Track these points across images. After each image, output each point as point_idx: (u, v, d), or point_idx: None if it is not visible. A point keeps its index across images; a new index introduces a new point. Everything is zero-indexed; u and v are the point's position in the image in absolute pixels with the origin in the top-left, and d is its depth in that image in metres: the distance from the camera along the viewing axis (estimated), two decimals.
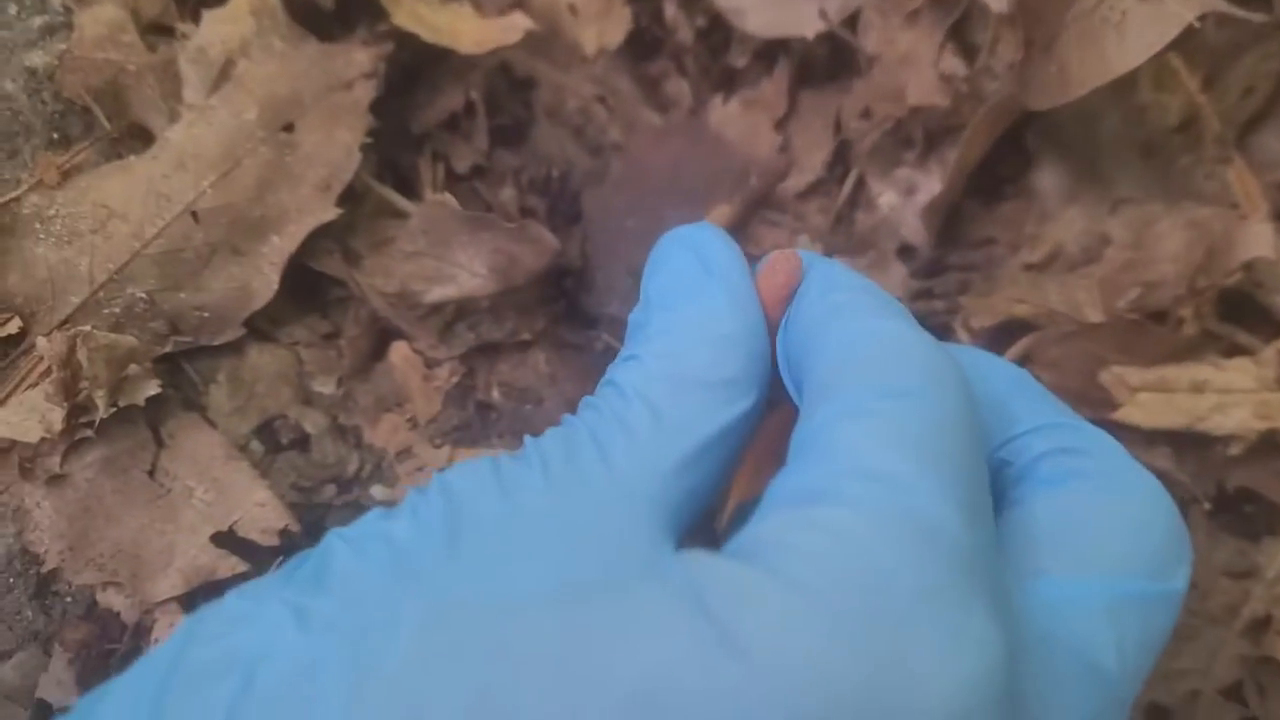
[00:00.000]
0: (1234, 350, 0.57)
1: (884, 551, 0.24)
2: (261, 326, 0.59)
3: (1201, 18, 0.51)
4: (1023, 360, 0.59)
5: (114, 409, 0.52)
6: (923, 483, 0.25)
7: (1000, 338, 0.60)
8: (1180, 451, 0.58)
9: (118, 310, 0.54)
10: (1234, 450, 0.55)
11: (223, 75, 0.59)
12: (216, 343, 0.57)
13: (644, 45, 0.70)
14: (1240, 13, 0.49)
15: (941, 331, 0.62)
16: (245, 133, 0.57)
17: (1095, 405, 0.58)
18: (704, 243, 0.36)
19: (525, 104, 0.69)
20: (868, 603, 0.23)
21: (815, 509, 0.25)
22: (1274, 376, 0.55)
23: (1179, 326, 0.56)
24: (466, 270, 0.58)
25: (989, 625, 0.24)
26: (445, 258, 0.58)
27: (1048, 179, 0.63)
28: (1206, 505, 0.56)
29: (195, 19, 0.60)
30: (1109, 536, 0.30)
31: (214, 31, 0.59)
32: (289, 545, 0.55)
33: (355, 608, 0.25)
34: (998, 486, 0.32)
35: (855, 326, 0.31)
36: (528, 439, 0.31)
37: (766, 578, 0.23)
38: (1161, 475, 0.46)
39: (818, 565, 0.23)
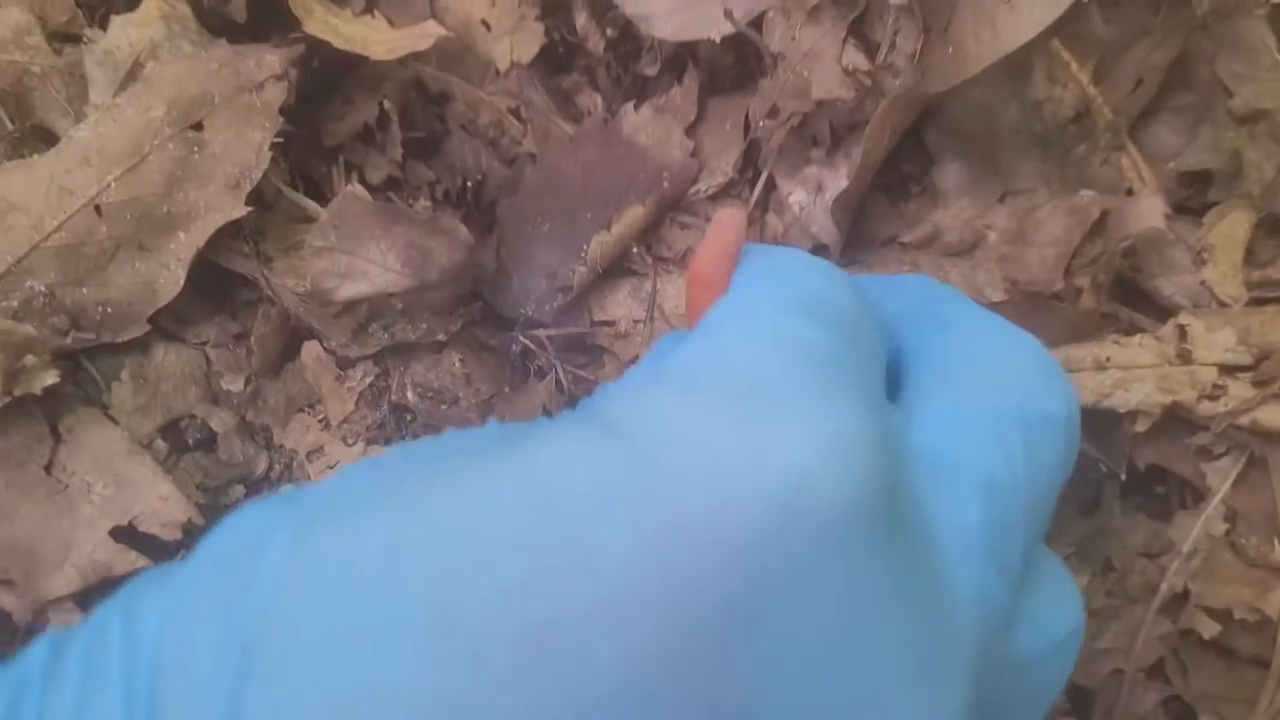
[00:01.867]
0: (1133, 330, 0.58)
1: (756, 357, 0.27)
2: (168, 326, 0.58)
3: (1088, 4, 0.54)
4: None
5: (8, 399, 0.50)
6: (797, 319, 0.28)
7: None
8: (1092, 430, 0.58)
9: (15, 304, 0.53)
10: (1140, 427, 0.56)
11: (130, 76, 0.59)
12: (120, 340, 0.56)
13: (557, 59, 0.71)
14: None
15: None
16: (152, 129, 0.57)
17: None
18: None
19: (439, 117, 0.69)
20: (732, 392, 0.25)
21: (706, 340, 0.28)
22: (1175, 352, 0.56)
23: (1078, 297, 0.57)
24: (379, 265, 0.58)
25: (848, 413, 0.25)
26: (357, 253, 0.58)
27: (949, 176, 0.64)
28: (1122, 476, 0.56)
29: (104, 26, 0.60)
30: (985, 369, 0.31)
31: (122, 34, 0.59)
32: (191, 541, 0.53)
33: None
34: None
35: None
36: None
37: (654, 385, 0.26)
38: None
39: (697, 371, 0.26)
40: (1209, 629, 0.54)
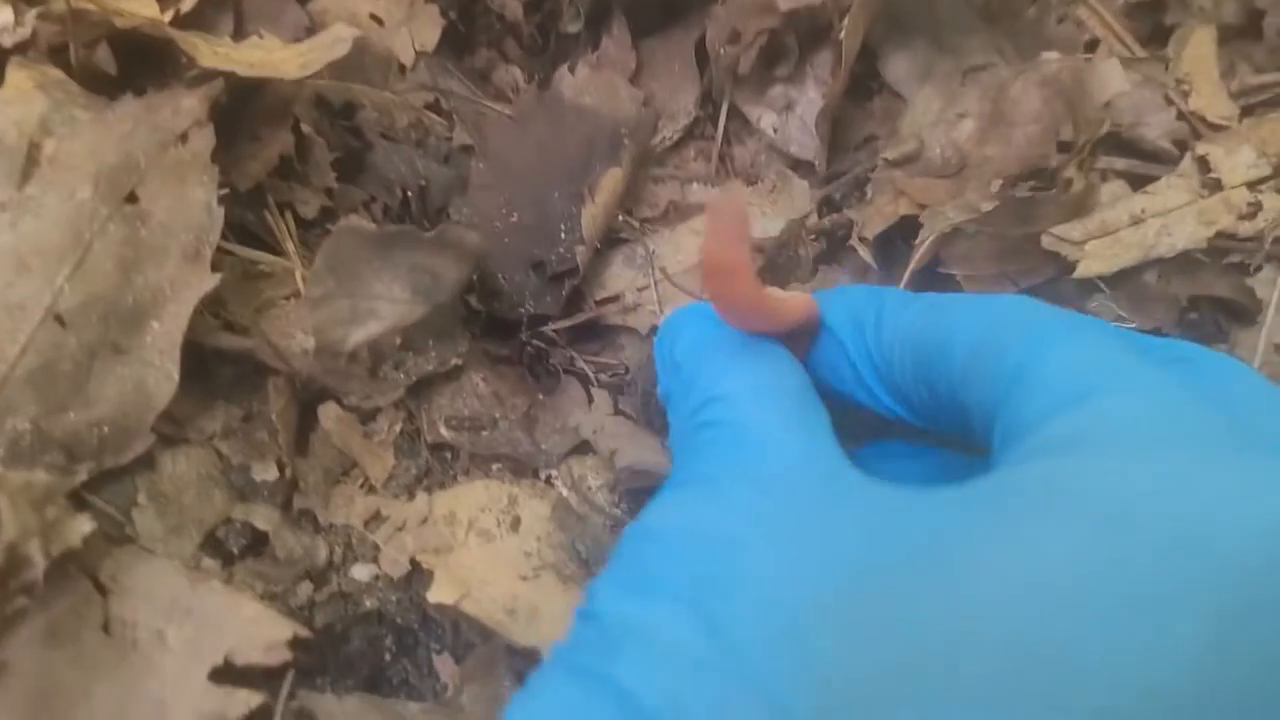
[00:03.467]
0: (1141, 182, 0.58)
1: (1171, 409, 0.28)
2: (165, 431, 0.50)
3: None
4: (933, 260, 0.58)
5: (48, 562, 0.42)
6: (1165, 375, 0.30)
7: (893, 241, 0.59)
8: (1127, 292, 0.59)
9: (0, 452, 0.44)
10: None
11: (31, 161, 0.50)
12: (126, 460, 0.48)
13: (460, 39, 0.65)
14: None
15: (840, 246, 0.61)
16: (85, 213, 0.49)
17: (1016, 279, 0.58)
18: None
19: (352, 131, 0.62)
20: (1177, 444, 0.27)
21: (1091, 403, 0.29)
22: (1200, 182, 0.56)
23: (1068, 187, 0.57)
24: (386, 299, 0.52)
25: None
26: (359, 293, 0.51)
27: (899, 67, 0.63)
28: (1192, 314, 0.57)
29: None
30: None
31: (1, 116, 0.50)
32: (304, 656, 0.46)
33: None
34: None
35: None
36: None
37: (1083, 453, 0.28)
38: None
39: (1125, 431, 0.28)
40: None
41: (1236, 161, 0.55)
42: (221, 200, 0.51)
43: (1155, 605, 0.24)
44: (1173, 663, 0.23)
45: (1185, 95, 0.58)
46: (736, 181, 0.60)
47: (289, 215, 0.59)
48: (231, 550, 0.49)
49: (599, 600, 0.30)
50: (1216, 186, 0.55)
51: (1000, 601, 0.24)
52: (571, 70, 0.62)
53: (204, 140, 0.52)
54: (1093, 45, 0.60)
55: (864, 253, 0.58)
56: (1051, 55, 0.59)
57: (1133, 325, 0.57)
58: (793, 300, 0.39)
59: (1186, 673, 0.23)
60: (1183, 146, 0.57)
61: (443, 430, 0.54)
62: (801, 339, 0.42)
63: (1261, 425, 0.30)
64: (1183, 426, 0.28)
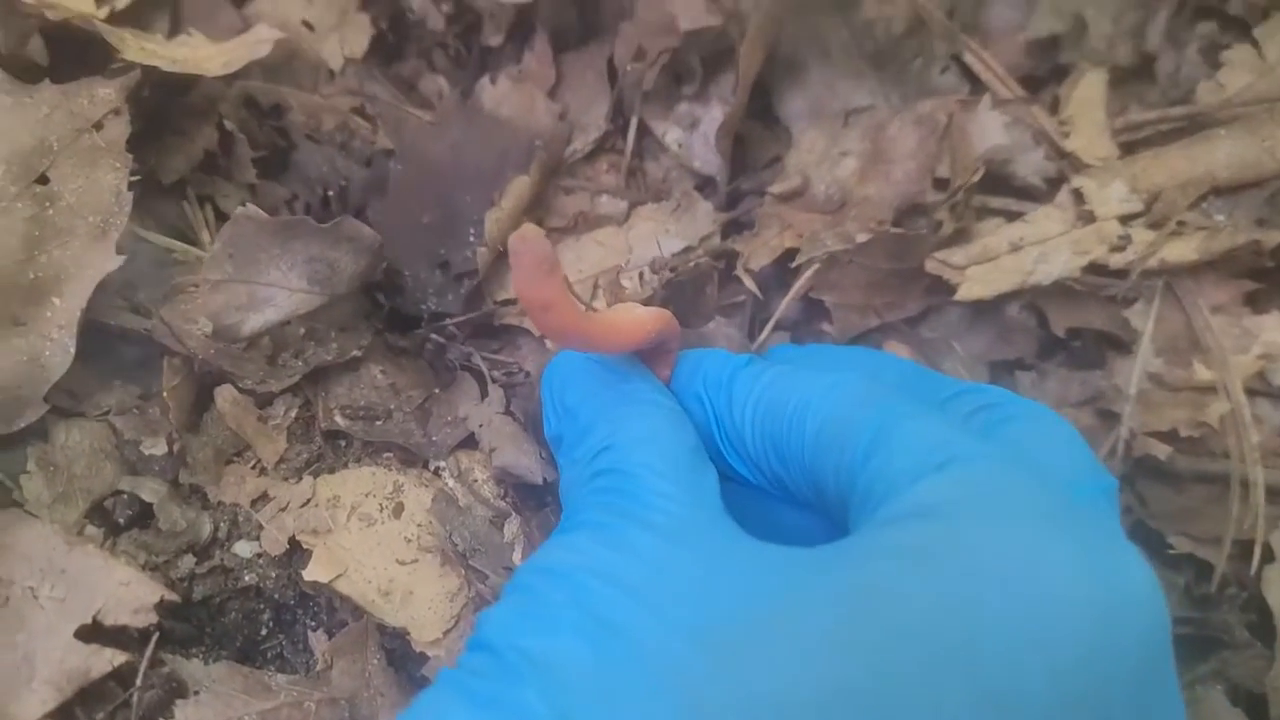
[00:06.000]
0: (1013, 218, 0.60)
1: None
2: (61, 403, 0.52)
3: None
4: (811, 290, 0.60)
5: None
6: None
7: (777, 272, 0.62)
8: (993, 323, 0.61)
9: None
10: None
11: None
12: (16, 428, 0.50)
13: (389, 48, 0.67)
14: None
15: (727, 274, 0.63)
16: None
17: (882, 311, 0.61)
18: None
19: (279, 131, 0.65)
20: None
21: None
22: (1075, 214, 0.58)
23: (938, 229, 0.59)
24: (284, 288, 0.54)
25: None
26: (257, 279, 0.53)
27: (792, 105, 0.65)
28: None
29: None
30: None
31: None
32: (174, 625, 0.48)
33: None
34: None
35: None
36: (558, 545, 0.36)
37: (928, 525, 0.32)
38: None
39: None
40: (1162, 451, 0.57)
41: (1108, 194, 0.57)
42: (133, 186, 0.54)
43: (1005, 668, 0.28)
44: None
45: (1065, 135, 0.60)
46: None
47: (209, 208, 0.61)
48: (118, 520, 0.51)
49: (495, 632, 0.32)
50: (1090, 218, 0.57)
51: (860, 645, 0.28)
52: (493, 81, 0.64)
53: (119, 128, 0.55)
54: (971, 96, 0.62)
55: (749, 283, 0.60)
56: (930, 101, 0.62)
57: (998, 357, 0.59)
58: (630, 321, 0.40)
59: None
60: (1055, 184, 0.59)
61: (338, 418, 0.56)
62: (661, 354, 0.44)
63: (1076, 482, 0.36)
64: (1023, 496, 0.32)
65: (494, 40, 0.65)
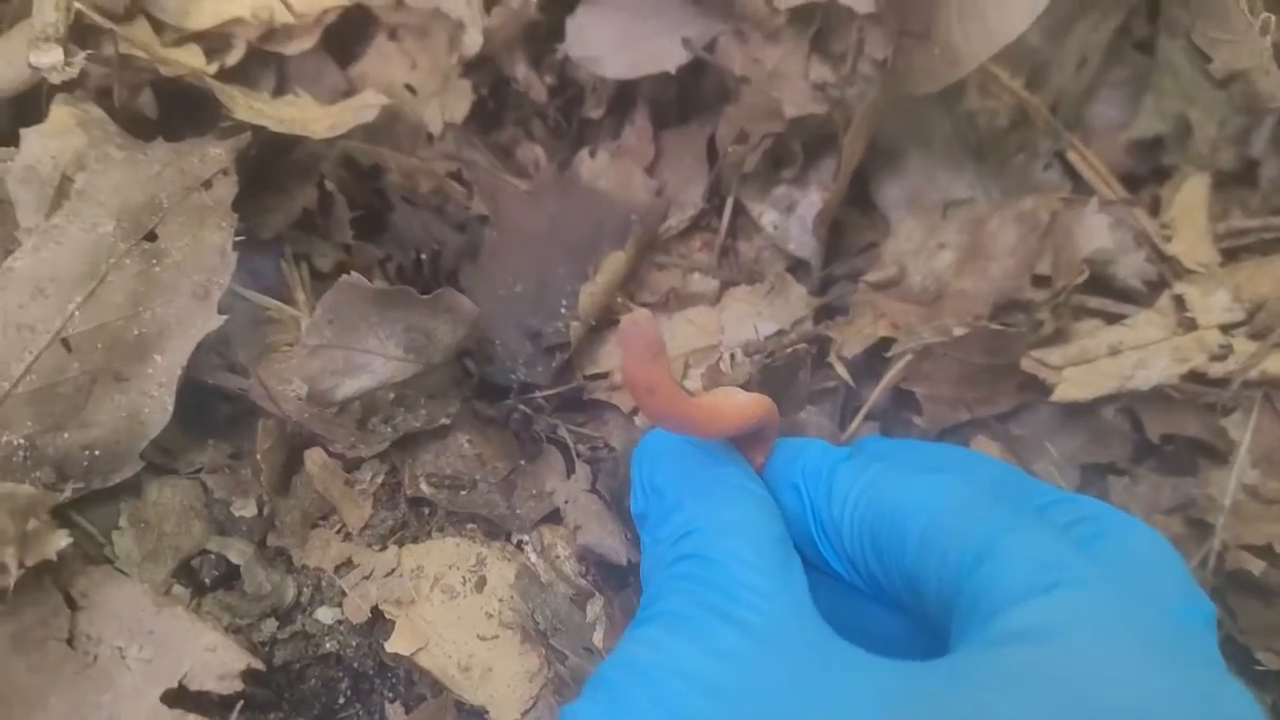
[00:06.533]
0: (1112, 319, 0.60)
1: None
2: (155, 460, 0.52)
3: None
4: (902, 380, 0.60)
5: (22, 571, 0.44)
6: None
7: (870, 360, 0.61)
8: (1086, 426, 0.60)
9: None
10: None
11: (61, 193, 0.53)
12: (112, 483, 0.50)
13: (487, 115, 0.68)
14: None
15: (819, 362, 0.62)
16: (104, 247, 0.51)
17: (972, 405, 0.60)
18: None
19: (377, 192, 0.65)
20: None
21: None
22: (1176, 320, 0.58)
23: (1038, 328, 0.59)
24: (380, 355, 0.54)
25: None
26: (355, 345, 0.54)
27: (887, 193, 0.65)
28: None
29: (13, 143, 0.54)
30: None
31: (39, 148, 0.53)
32: (254, 689, 0.48)
33: None
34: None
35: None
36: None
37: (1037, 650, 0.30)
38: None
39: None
40: (1256, 566, 0.56)
41: (1211, 303, 0.57)
42: (237, 246, 0.54)
43: None
44: None
45: (1167, 238, 0.60)
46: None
47: (304, 266, 0.62)
48: (204, 580, 0.51)
49: None
50: (1191, 326, 0.57)
51: None
52: (592, 154, 0.65)
53: (227, 188, 0.55)
54: (1073, 194, 0.62)
55: (841, 370, 0.60)
56: (1032, 198, 0.61)
57: (1090, 460, 0.58)
58: (732, 407, 0.40)
59: None
60: (1155, 287, 0.59)
61: (423, 486, 0.56)
62: (758, 441, 0.44)
63: (1179, 608, 0.35)
64: (1132, 625, 0.31)
65: (595, 113, 0.66)
